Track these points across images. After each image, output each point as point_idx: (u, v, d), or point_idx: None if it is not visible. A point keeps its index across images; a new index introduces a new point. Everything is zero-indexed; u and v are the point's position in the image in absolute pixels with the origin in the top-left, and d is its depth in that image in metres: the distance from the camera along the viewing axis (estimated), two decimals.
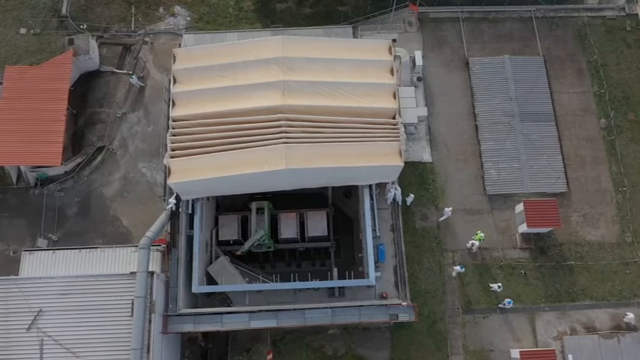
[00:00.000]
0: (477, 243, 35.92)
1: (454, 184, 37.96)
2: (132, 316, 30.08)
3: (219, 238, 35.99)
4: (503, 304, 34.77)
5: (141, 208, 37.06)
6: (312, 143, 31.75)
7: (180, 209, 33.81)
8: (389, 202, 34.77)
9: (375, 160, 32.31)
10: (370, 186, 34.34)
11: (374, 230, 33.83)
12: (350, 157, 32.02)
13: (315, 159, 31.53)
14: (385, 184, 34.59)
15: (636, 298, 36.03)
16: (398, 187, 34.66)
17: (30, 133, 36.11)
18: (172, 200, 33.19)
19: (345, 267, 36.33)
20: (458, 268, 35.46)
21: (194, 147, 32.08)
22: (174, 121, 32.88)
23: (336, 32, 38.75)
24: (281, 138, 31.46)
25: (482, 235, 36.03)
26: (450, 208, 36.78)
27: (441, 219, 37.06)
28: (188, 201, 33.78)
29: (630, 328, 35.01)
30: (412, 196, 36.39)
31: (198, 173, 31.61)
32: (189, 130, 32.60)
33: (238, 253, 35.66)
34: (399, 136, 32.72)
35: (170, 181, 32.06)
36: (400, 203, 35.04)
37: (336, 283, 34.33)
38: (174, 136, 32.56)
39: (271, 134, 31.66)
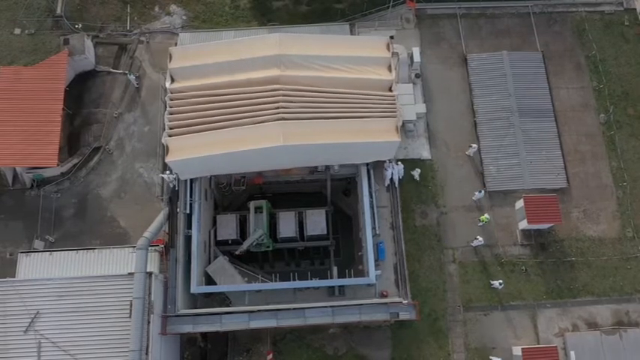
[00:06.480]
0: (481, 240, 35.83)
1: (453, 181, 37.75)
2: (130, 317, 29.85)
3: (218, 238, 35.87)
4: None
5: (138, 209, 36.75)
6: (310, 120, 31.85)
7: (178, 209, 33.66)
8: (386, 183, 34.63)
9: (372, 137, 32.45)
10: (370, 184, 34.20)
11: (374, 228, 33.68)
12: (347, 134, 32.19)
13: (312, 135, 31.68)
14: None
15: (638, 294, 35.90)
16: (396, 165, 34.76)
17: (25, 134, 35.77)
18: (168, 173, 33.28)
19: (345, 266, 36.22)
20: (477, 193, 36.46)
21: (192, 125, 32.04)
22: (172, 93, 32.80)
23: (333, 30, 38.55)
24: (279, 114, 31.46)
25: (487, 216, 35.99)
26: (475, 145, 37.38)
27: (468, 152, 37.68)
28: (186, 201, 33.60)
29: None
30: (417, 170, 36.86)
31: (196, 151, 31.62)
32: (186, 109, 32.54)
33: (237, 252, 35.51)
34: (395, 113, 32.70)
35: (168, 160, 31.97)
36: (398, 184, 34.94)
37: (336, 282, 34.21)
38: (171, 114, 32.42)
39: (268, 110, 31.67)
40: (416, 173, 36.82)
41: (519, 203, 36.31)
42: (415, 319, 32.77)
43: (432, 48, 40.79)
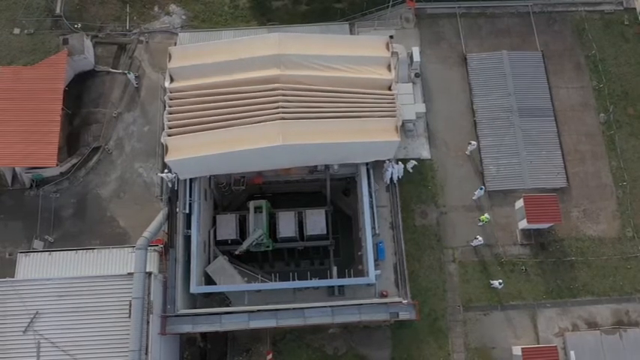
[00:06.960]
0: (481, 239, 35.79)
1: (453, 181, 37.72)
2: (129, 317, 29.81)
3: (217, 238, 35.81)
4: None
5: (138, 209, 36.71)
6: (309, 119, 31.82)
7: (177, 209, 33.61)
8: (387, 182, 34.69)
9: (371, 136, 32.41)
10: (369, 183, 34.16)
11: (373, 228, 33.63)
12: (346, 134, 32.17)
13: (311, 135, 31.68)
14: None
15: (637, 293, 35.86)
16: (396, 164, 34.73)
17: (25, 134, 35.72)
18: (167, 172, 33.16)
19: (345, 265, 36.16)
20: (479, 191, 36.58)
21: (191, 124, 32.03)
22: (171, 92, 32.75)
23: (332, 29, 38.55)
24: (278, 113, 31.42)
25: (487, 216, 35.96)
26: (474, 143, 37.45)
27: (468, 151, 37.66)
28: (185, 201, 33.55)
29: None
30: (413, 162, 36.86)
31: (195, 150, 31.60)
32: (186, 108, 32.52)
33: (237, 252, 35.45)
34: (395, 112, 32.68)
35: (167, 159, 31.94)
36: (397, 181, 35.09)
37: (335, 281, 34.15)
38: (170, 114, 32.39)
39: (268, 109, 31.64)
40: (409, 165, 36.63)
41: (519, 203, 36.27)
42: (415, 319, 32.71)
43: (431, 47, 40.75)
